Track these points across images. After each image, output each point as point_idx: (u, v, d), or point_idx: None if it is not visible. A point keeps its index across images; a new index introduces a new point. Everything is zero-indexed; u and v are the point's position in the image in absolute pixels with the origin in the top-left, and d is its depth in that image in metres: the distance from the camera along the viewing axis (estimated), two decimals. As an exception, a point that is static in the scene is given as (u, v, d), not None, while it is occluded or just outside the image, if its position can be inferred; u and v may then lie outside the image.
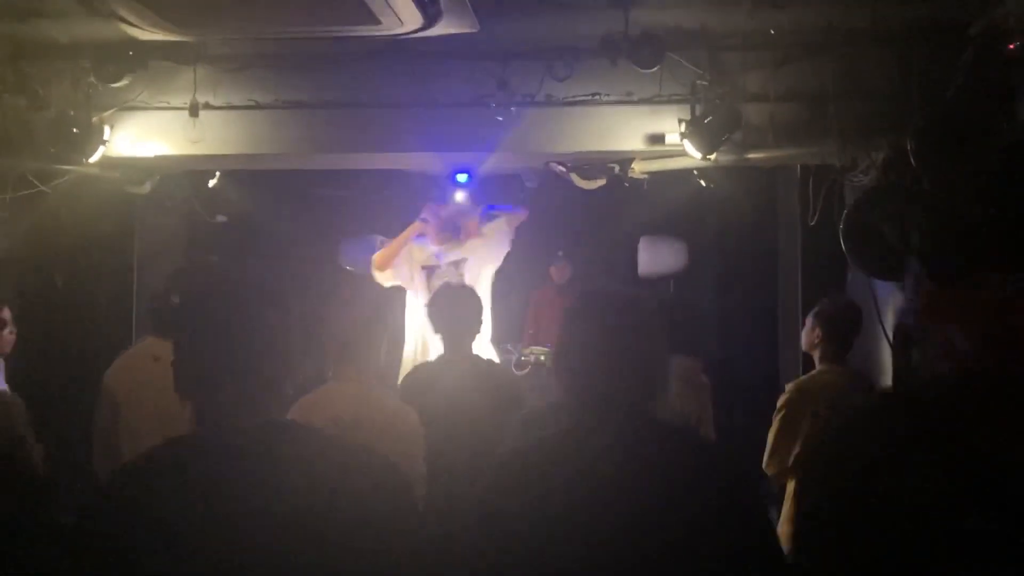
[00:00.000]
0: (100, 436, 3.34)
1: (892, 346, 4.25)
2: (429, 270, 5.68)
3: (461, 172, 6.26)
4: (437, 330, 3.79)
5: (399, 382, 3.98)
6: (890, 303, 4.39)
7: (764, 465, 3.84)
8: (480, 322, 3.84)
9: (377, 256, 5.48)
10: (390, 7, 2.71)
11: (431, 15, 2.87)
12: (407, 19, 2.87)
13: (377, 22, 2.85)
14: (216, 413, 1.64)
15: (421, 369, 3.93)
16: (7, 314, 4.02)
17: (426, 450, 3.03)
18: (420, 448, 2.99)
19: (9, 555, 1.45)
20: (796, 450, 3.74)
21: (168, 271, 3.89)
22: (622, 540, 1.69)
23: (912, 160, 3.49)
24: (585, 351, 1.87)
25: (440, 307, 3.81)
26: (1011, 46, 3.33)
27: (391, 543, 1.57)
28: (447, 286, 4.86)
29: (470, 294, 3.99)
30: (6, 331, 4.01)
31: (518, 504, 1.75)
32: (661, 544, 1.68)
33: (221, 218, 6.64)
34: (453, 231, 5.63)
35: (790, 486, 3.82)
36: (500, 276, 5.73)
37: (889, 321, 4.37)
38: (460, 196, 6.24)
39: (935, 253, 1.07)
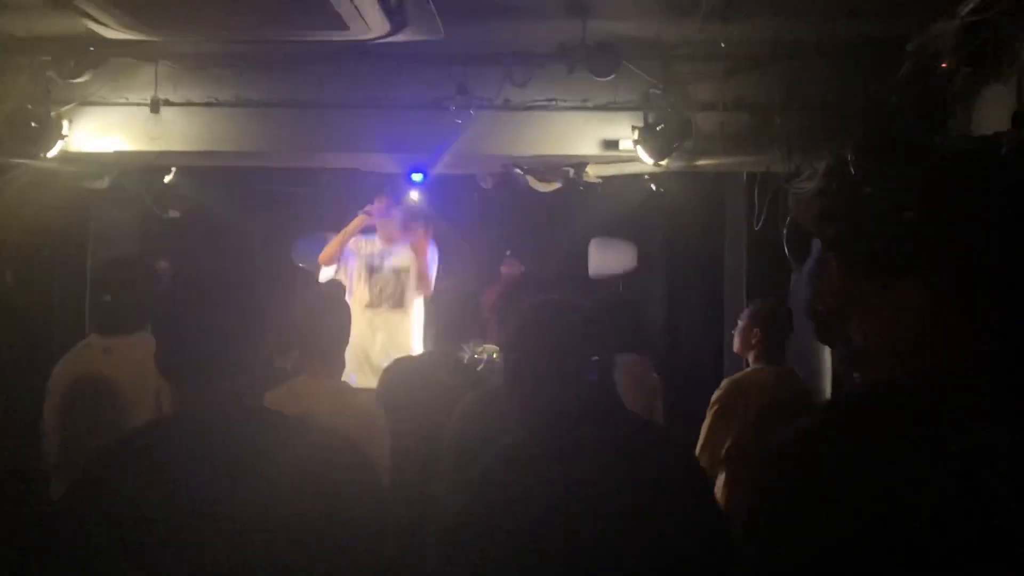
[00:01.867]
0: (50, 431, 3.34)
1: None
2: (371, 268, 5.77)
3: (416, 171, 6.35)
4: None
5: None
6: (831, 305, 4.58)
7: (696, 456, 4.01)
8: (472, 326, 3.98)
9: (322, 253, 5.55)
10: (359, 14, 2.80)
11: (398, 22, 2.96)
12: (374, 25, 2.96)
13: (345, 28, 2.94)
14: (192, 396, 1.71)
15: (401, 362, 4.02)
16: None
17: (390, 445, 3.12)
18: (386, 444, 3.07)
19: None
20: (728, 443, 3.92)
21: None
22: (599, 543, 1.80)
23: (851, 169, 3.67)
24: (529, 363, 1.98)
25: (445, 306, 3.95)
26: (943, 64, 3.52)
27: (358, 523, 1.66)
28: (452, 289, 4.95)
29: (469, 298, 4.14)
30: None
31: (494, 516, 1.85)
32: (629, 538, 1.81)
33: (173, 214, 6.63)
34: (402, 232, 5.72)
35: (720, 477, 4.00)
36: (453, 275, 5.84)
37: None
38: (415, 195, 6.33)
39: (858, 249, 1.15)
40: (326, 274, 5.63)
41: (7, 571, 1.45)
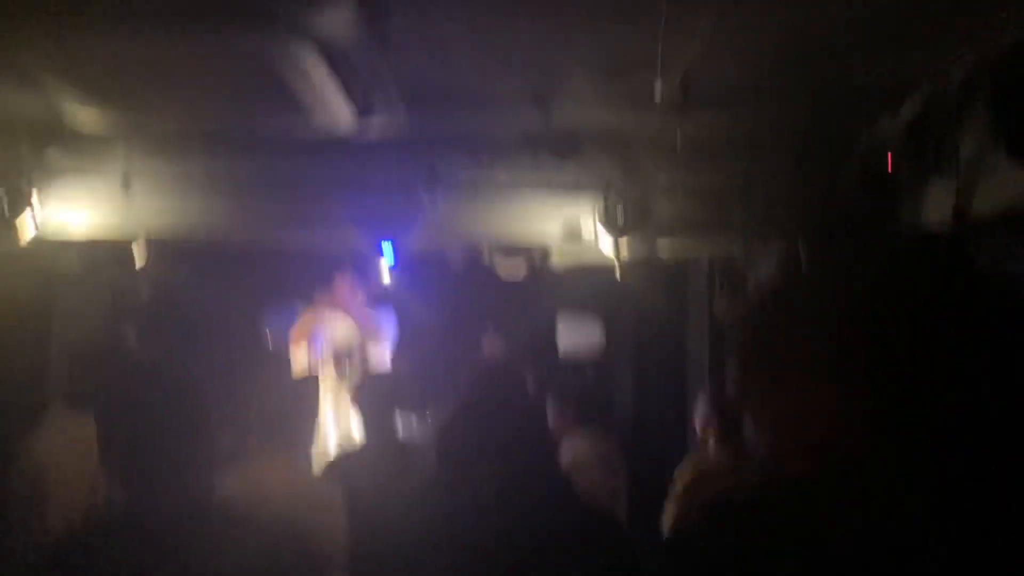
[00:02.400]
0: (15, 509, 3.32)
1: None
2: (341, 349, 5.80)
3: (386, 243, 6.42)
4: (360, 413, 3.92)
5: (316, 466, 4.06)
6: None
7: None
8: (403, 404, 3.99)
9: (295, 330, 5.58)
10: (325, 108, 2.90)
11: (364, 116, 3.06)
12: (341, 119, 3.05)
13: (312, 120, 3.03)
14: (136, 492, 1.73)
15: (345, 456, 4.02)
16: None
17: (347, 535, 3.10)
18: (340, 533, 3.06)
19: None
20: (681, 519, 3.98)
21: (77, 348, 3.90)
22: None
23: (802, 259, 3.80)
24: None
25: (369, 393, 3.95)
26: (889, 155, 3.68)
27: None
28: (374, 379, 4.98)
29: (395, 379, 4.15)
30: None
31: None
32: None
33: (144, 289, 6.63)
34: (365, 309, 5.79)
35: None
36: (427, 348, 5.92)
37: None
38: (383, 267, 6.39)
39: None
40: (296, 351, 5.65)
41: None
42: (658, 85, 3.21)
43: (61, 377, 3.50)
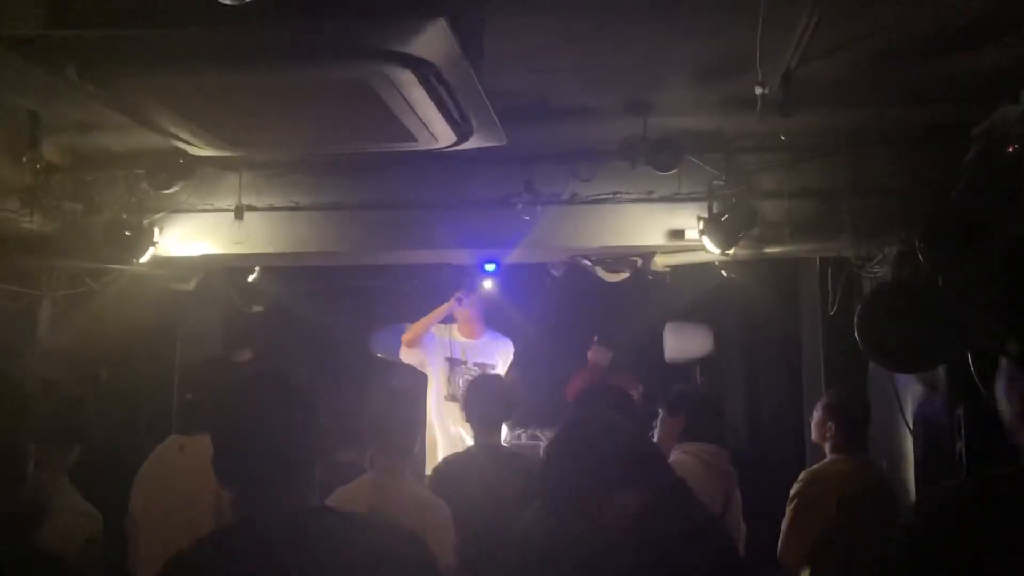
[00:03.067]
0: (132, 532, 3.44)
1: (914, 435, 4.34)
2: (453, 363, 5.85)
3: (489, 262, 6.49)
4: (468, 418, 3.92)
5: (427, 472, 4.11)
6: (909, 393, 4.49)
7: (779, 553, 3.91)
8: (512, 410, 3.98)
9: (406, 335, 5.65)
10: (426, 127, 2.95)
11: (463, 133, 3.11)
12: (441, 137, 3.11)
13: (414, 140, 3.09)
14: (253, 501, 1.78)
15: (451, 460, 4.05)
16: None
17: (456, 541, 3.15)
18: (451, 539, 3.10)
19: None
20: (811, 538, 3.82)
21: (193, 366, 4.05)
22: None
23: (920, 257, 3.65)
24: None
25: (476, 396, 3.95)
26: (1010, 148, 3.50)
27: None
28: (481, 377, 5.02)
29: (503, 384, 4.14)
30: None
31: None
32: None
33: (257, 308, 6.88)
34: (483, 326, 5.83)
35: (804, 574, 3.89)
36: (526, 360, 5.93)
37: (910, 410, 4.45)
38: (488, 284, 6.46)
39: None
40: (407, 355, 5.74)
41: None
42: (759, 87, 3.12)
43: (182, 398, 3.62)
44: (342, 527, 1.76)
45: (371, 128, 3.02)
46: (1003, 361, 1.31)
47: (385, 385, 4.89)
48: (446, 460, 4.12)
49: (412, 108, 2.74)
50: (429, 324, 5.63)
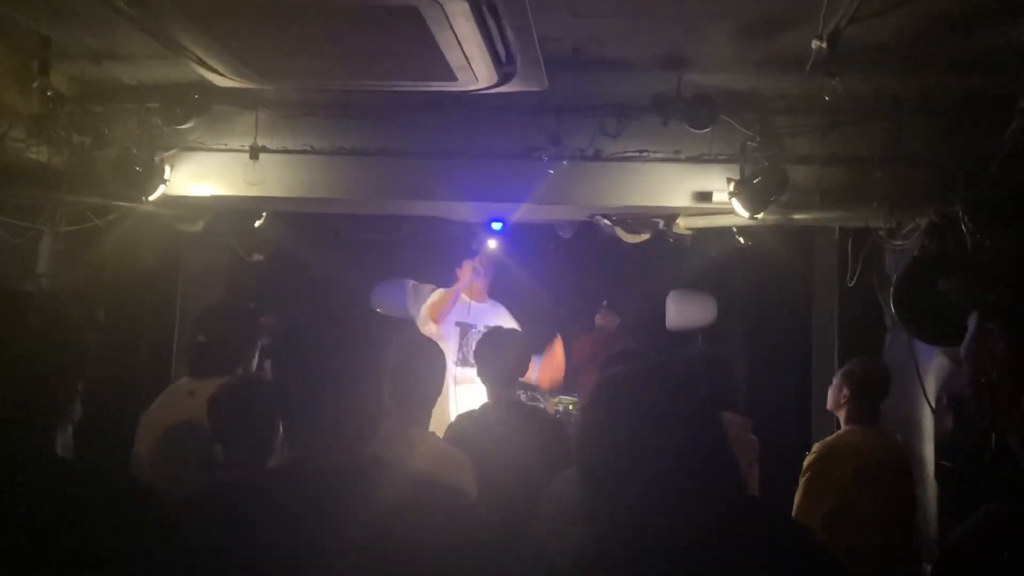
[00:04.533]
0: (140, 471, 3.36)
1: (934, 411, 4.29)
2: (463, 327, 5.77)
3: (496, 220, 6.38)
4: (481, 374, 3.83)
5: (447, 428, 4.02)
6: (932, 367, 4.43)
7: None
8: (526, 366, 3.88)
9: (431, 307, 5.53)
10: (469, 65, 2.82)
11: (506, 73, 2.98)
12: (482, 77, 2.98)
13: (454, 79, 2.97)
14: (308, 443, 1.70)
15: (465, 417, 3.96)
16: None
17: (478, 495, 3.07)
18: (474, 493, 3.03)
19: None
20: (824, 510, 3.76)
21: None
22: None
23: (964, 227, 3.56)
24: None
25: (488, 350, 3.86)
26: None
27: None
28: (496, 330, 4.93)
29: (517, 338, 4.04)
30: None
31: None
32: None
33: (257, 257, 6.75)
34: (486, 288, 5.76)
35: None
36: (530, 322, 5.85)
37: (931, 385, 4.40)
38: (492, 244, 6.37)
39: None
40: (431, 330, 5.64)
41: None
42: (817, 40, 3.00)
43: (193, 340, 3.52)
44: (394, 479, 1.69)
45: (410, 63, 2.88)
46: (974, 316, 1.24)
47: (406, 339, 4.78)
48: (460, 416, 4.03)
49: (458, 41, 2.60)
50: (455, 298, 5.53)
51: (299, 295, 7.03)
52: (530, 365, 4.09)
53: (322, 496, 1.63)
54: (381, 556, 1.55)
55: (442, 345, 5.57)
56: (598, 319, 7.13)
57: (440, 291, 5.66)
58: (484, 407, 3.88)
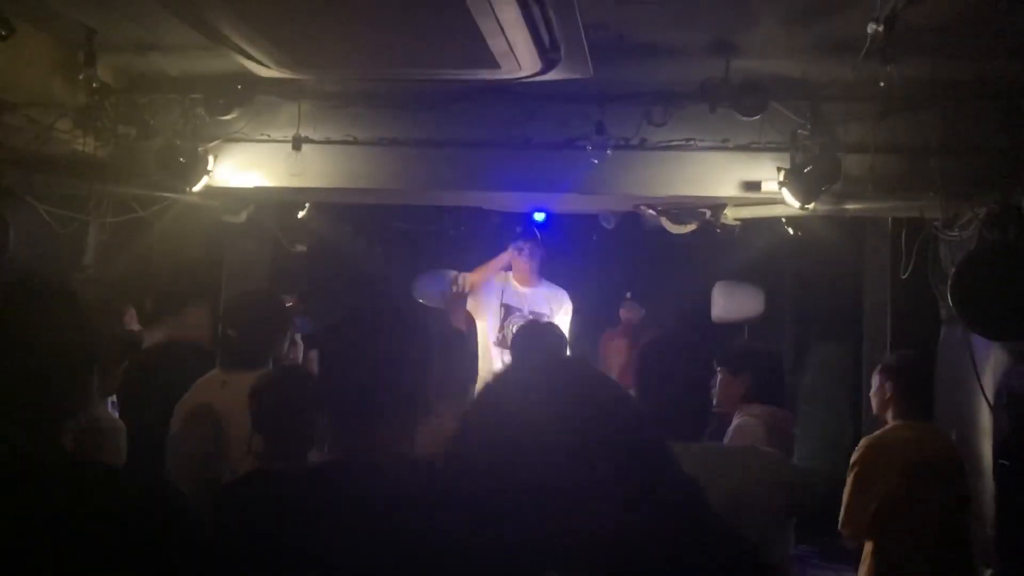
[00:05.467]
0: (168, 460, 3.37)
1: (992, 407, 4.14)
2: (508, 309, 5.73)
3: (539, 211, 6.33)
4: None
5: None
6: (990, 362, 4.28)
7: (840, 524, 3.73)
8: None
9: (470, 276, 5.54)
10: (512, 53, 2.76)
11: (551, 61, 2.92)
12: (526, 65, 2.92)
13: (497, 66, 2.91)
14: (354, 437, 1.66)
15: None
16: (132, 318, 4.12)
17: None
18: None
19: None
20: (872, 508, 3.64)
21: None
22: None
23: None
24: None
25: (525, 342, 3.81)
26: None
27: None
28: (532, 323, 4.88)
29: (553, 330, 3.99)
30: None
31: None
32: None
33: (300, 248, 6.77)
34: (535, 274, 5.70)
35: (868, 546, 3.71)
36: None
37: (988, 380, 4.26)
38: (537, 235, 6.31)
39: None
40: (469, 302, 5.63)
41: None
42: (873, 23, 2.89)
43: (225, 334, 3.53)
44: (425, 473, 1.64)
45: (453, 51, 2.83)
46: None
47: (445, 329, 4.75)
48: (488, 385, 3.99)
49: (502, 28, 2.55)
50: (490, 273, 5.50)
51: (342, 286, 7.05)
52: None
53: (363, 492, 1.59)
54: (414, 556, 1.50)
55: (480, 322, 5.57)
56: (622, 312, 7.08)
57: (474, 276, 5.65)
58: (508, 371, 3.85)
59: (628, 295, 7.19)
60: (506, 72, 2.97)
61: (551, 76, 3.09)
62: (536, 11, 2.51)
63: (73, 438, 1.60)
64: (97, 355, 1.67)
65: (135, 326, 4.17)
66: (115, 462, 3.30)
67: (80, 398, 1.57)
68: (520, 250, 5.53)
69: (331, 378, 1.69)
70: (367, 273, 7.30)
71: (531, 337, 3.86)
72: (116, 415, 3.63)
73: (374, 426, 1.65)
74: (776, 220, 5.03)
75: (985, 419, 4.30)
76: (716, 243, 5.81)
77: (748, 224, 5.20)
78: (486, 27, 2.54)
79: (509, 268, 5.67)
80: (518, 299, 5.60)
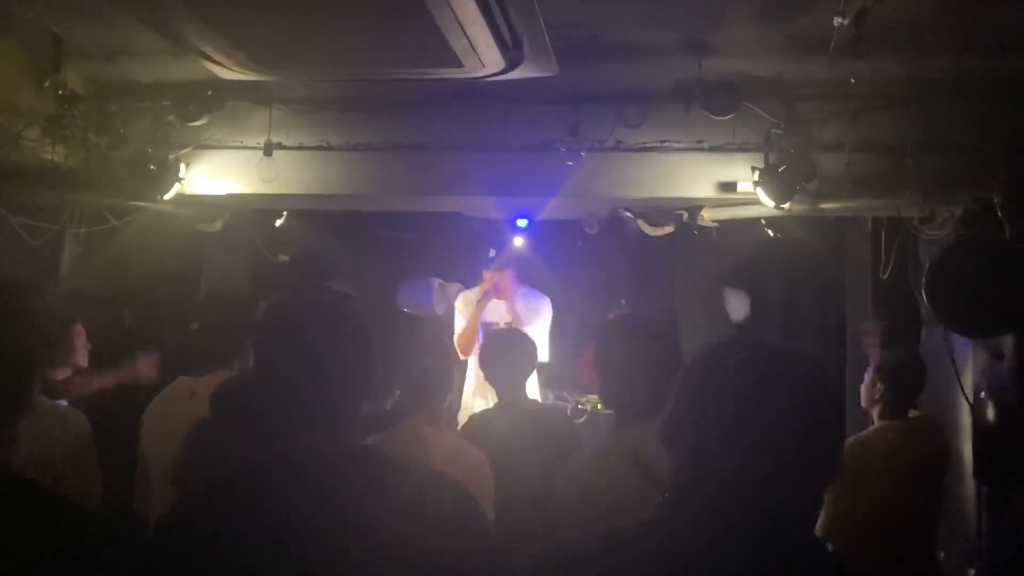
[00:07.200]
0: (140, 474, 3.31)
1: (972, 406, 4.11)
2: (487, 326, 5.68)
3: (521, 217, 6.28)
4: (489, 377, 3.70)
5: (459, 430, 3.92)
6: (969, 361, 4.25)
7: (821, 530, 3.65)
8: (533, 365, 3.76)
9: (459, 341, 5.42)
10: (474, 50, 2.72)
11: (514, 59, 2.88)
12: (489, 62, 2.88)
13: (460, 65, 2.87)
14: (296, 437, 1.62)
15: (478, 418, 3.87)
16: (80, 335, 4.08)
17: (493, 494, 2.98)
18: (491, 494, 2.94)
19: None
20: (860, 512, 3.57)
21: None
22: None
23: (1000, 214, 3.40)
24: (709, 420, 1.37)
25: (493, 353, 3.75)
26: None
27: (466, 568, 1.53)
28: (498, 332, 4.81)
29: (522, 338, 3.92)
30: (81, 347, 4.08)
31: None
32: None
33: (283, 258, 6.72)
34: (513, 285, 5.65)
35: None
36: (558, 320, 5.72)
37: (967, 379, 4.23)
38: (519, 241, 6.26)
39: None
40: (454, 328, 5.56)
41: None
42: (839, 16, 2.86)
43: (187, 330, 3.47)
44: (388, 471, 1.60)
45: (414, 49, 2.79)
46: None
47: (423, 332, 4.70)
48: (472, 418, 3.93)
49: (461, 25, 2.50)
50: (477, 325, 5.39)
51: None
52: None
53: (313, 490, 1.55)
54: (376, 552, 1.46)
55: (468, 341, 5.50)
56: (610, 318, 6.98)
57: (463, 319, 5.52)
58: (491, 410, 3.79)
59: (622, 302, 7.11)
60: (470, 70, 2.93)
61: (516, 75, 3.04)
62: (495, 7, 2.47)
63: (11, 443, 1.57)
64: (40, 357, 1.64)
65: (82, 343, 4.10)
66: (86, 470, 3.25)
67: (23, 401, 1.54)
68: (495, 288, 5.45)
69: (265, 375, 1.64)
70: (352, 282, 7.23)
71: (498, 346, 3.80)
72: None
73: (311, 421, 1.60)
74: (756, 222, 5.00)
75: (965, 418, 4.27)
76: (699, 246, 5.77)
77: (728, 226, 5.17)
78: (445, 24, 2.50)
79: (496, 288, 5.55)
80: (499, 313, 5.54)
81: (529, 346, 3.69)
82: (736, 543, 1.30)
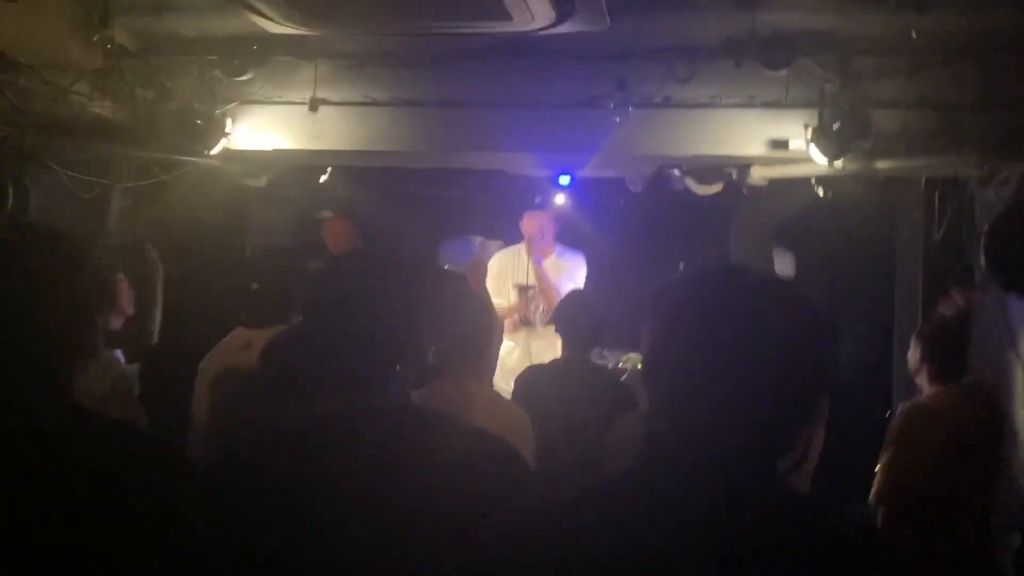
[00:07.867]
0: (193, 423, 3.39)
1: (1027, 371, 4.01)
2: (522, 289, 5.71)
3: (563, 174, 6.22)
4: (561, 331, 3.86)
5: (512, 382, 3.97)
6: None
7: (875, 492, 3.60)
8: (603, 332, 3.85)
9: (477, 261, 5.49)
10: (524, 3, 2.67)
11: (564, 11, 2.82)
12: (539, 15, 2.82)
13: (509, 18, 2.82)
14: (342, 392, 1.64)
15: (534, 370, 3.94)
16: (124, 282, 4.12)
17: (535, 450, 3.00)
18: (530, 450, 2.95)
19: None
20: (916, 477, 3.51)
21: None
22: None
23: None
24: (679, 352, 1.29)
25: (568, 310, 3.90)
26: None
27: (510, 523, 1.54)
28: (577, 292, 4.84)
29: (599, 303, 4.05)
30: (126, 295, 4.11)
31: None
32: None
33: (327, 214, 6.74)
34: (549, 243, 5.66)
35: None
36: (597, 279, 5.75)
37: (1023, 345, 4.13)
38: (560, 199, 6.22)
39: None
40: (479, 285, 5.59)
41: (151, 550, 1.43)
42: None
43: (246, 288, 3.54)
44: (433, 425, 1.62)
45: (462, 2, 2.74)
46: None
47: (458, 292, 4.71)
48: (531, 369, 4.03)
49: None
50: (548, 283, 5.44)
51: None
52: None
53: (358, 444, 1.56)
54: (421, 508, 1.48)
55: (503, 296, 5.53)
56: None
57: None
58: (554, 363, 3.90)
59: (681, 265, 6.99)
60: (519, 24, 2.87)
61: (565, 28, 2.98)
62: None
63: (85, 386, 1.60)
64: (100, 304, 1.66)
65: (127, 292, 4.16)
66: (128, 410, 3.34)
67: (88, 347, 1.57)
68: (525, 221, 5.48)
69: (314, 332, 1.66)
70: (393, 239, 7.25)
71: (573, 308, 3.94)
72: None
73: (356, 378, 1.62)
74: (806, 181, 4.90)
75: (1021, 383, 4.17)
76: (748, 204, 5.67)
77: (778, 184, 5.07)
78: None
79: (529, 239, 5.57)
80: (529, 274, 5.58)
81: (604, 309, 3.84)
82: (708, 487, 1.23)
